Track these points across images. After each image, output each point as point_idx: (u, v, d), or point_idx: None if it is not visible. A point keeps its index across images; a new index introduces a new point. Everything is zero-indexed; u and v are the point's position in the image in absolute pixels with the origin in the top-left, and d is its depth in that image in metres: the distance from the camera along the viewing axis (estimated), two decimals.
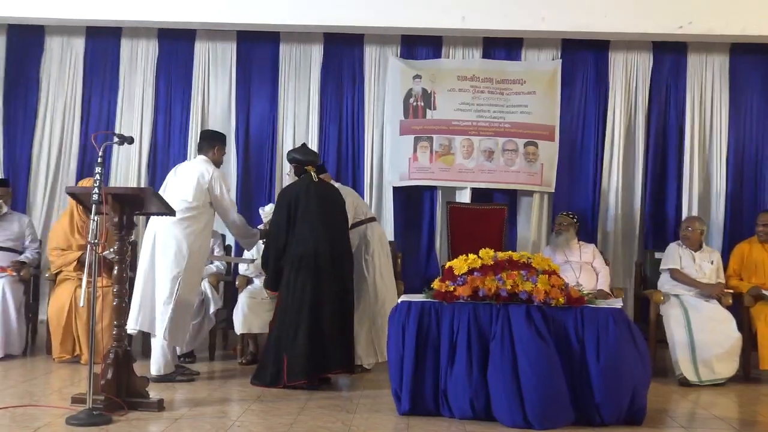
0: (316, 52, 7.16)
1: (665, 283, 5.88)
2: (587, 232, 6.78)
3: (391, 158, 7.06)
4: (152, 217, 4.93)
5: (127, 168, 7.11)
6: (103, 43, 7.16)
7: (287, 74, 7.17)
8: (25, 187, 7.07)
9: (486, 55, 7.13)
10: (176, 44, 7.16)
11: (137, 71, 7.16)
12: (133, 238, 4.99)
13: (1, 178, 6.62)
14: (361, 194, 6.79)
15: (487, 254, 4.32)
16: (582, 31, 6.71)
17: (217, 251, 6.17)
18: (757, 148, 7.03)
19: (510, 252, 4.42)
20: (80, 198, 4.49)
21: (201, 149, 5.27)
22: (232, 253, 6.56)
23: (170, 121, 7.18)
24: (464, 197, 7.00)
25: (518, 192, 7.09)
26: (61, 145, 7.15)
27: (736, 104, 7.04)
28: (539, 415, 3.93)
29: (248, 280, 5.99)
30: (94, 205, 3.93)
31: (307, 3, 6.63)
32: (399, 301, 4.38)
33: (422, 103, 7.07)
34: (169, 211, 4.41)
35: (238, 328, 5.69)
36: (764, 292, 5.69)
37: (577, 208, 6.77)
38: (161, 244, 4.88)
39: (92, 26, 7.04)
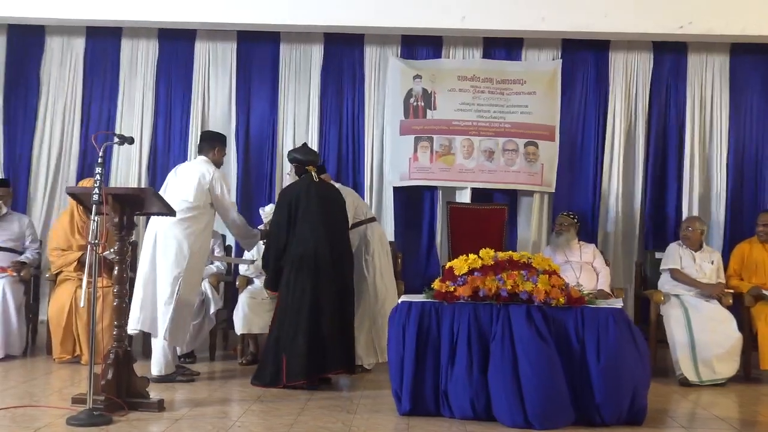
0: (317, 52, 7.16)
1: (665, 283, 5.88)
2: (587, 232, 6.78)
3: (392, 158, 7.06)
4: (153, 218, 4.93)
5: (128, 168, 7.11)
6: (103, 43, 7.16)
7: (287, 74, 7.16)
8: (25, 187, 7.07)
9: (486, 55, 7.13)
10: (176, 44, 7.16)
11: (137, 71, 7.16)
12: (133, 238, 4.99)
13: (1, 179, 6.62)
14: (362, 194, 6.80)
15: (487, 254, 4.32)
16: (582, 31, 6.71)
17: (218, 251, 6.17)
18: (758, 148, 7.03)
19: (510, 252, 4.42)
20: (80, 198, 4.49)
21: (201, 150, 5.27)
22: (233, 254, 6.56)
23: (170, 121, 7.18)
24: (464, 197, 7.00)
25: (518, 192, 7.09)
26: (62, 145, 7.14)
27: (737, 104, 7.04)
28: (540, 415, 3.93)
29: (248, 281, 5.99)
30: (94, 206, 3.93)
31: (307, 3, 6.63)
32: (399, 301, 4.38)
33: (422, 103, 7.06)
34: (170, 212, 4.41)
35: (239, 328, 5.69)
36: (764, 292, 5.69)
37: (577, 208, 6.77)
38: (162, 244, 4.88)
39: (92, 26, 7.04)
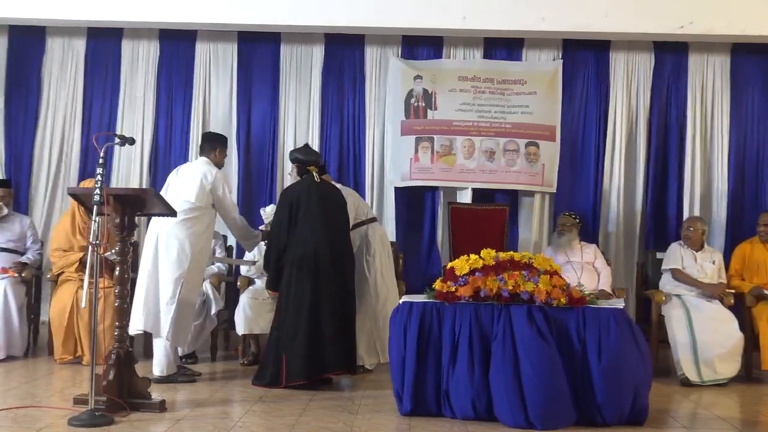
0: (317, 53, 7.17)
1: (667, 283, 5.88)
2: (588, 233, 6.78)
3: (393, 158, 7.07)
4: (154, 218, 4.93)
5: (129, 169, 7.12)
6: (104, 43, 7.17)
7: (288, 75, 7.17)
8: (26, 188, 7.08)
9: (487, 55, 7.13)
10: (177, 45, 7.16)
11: (138, 72, 7.17)
12: (134, 239, 4.99)
13: (2, 179, 6.63)
14: (363, 194, 6.80)
15: (488, 254, 4.32)
16: (583, 31, 6.71)
17: (219, 252, 6.16)
18: (758, 148, 7.03)
19: (511, 252, 4.42)
20: (82, 199, 4.49)
21: (202, 151, 5.27)
22: (234, 254, 6.56)
23: (171, 121, 7.19)
24: (465, 197, 7.00)
25: (519, 192, 7.09)
26: (63, 146, 7.15)
27: (738, 104, 7.04)
28: (541, 415, 3.93)
29: (250, 281, 5.99)
30: (95, 206, 3.93)
31: (307, 3, 6.63)
32: (400, 301, 4.38)
33: (423, 104, 7.07)
34: (171, 212, 4.41)
35: (240, 328, 5.68)
36: (766, 292, 5.69)
37: (578, 208, 6.77)
38: (164, 244, 4.88)
39: (93, 27, 7.04)
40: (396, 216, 7.03)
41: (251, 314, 5.65)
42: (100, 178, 3.98)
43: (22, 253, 6.01)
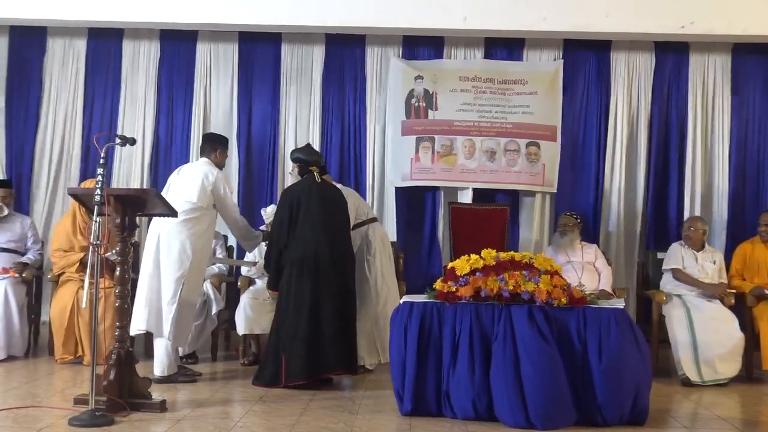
0: (318, 53, 7.17)
1: (667, 283, 5.87)
2: (589, 233, 6.78)
3: (393, 159, 7.07)
4: (155, 219, 4.94)
5: (130, 169, 7.12)
6: (105, 44, 7.17)
7: (289, 75, 7.17)
8: (27, 188, 7.09)
9: (487, 55, 7.13)
10: (178, 45, 7.17)
11: (139, 72, 7.17)
12: (135, 239, 4.99)
13: (3, 180, 6.63)
14: (363, 195, 6.80)
15: (489, 255, 4.32)
16: (583, 31, 6.71)
17: (219, 252, 6.17)
18: (759, 148, 7.03)
19: (512, 252, 4.41)
20: (82, 199, 4.49)
21: (203, 152, 5.28)
22: (235, 255, 6.56)
23: (172, 122, 7.19)
24: (466, 198, 7.00)
25: (520, 192, 7.09)
26: (63, 146, 7.16)
27: (738, 104, 7.04)
28: (542, 415, 3.93)
29: (250, 281, 5.99)
30: (96, 206, 3.93)
31: (308, 4, 6.63)
32: (401, 301, 4.37)
33: (424, 104, 7.07)
34: (172, 213, 4.41)
35: (241, 329, 5.68)
36: (767, 292, 5.68)
37: (579, 208, 6.77)
38: (165, 245, 4.88)
39: (94, 27, 7.05)
40: (396, 216, 7.03)
41: (252, 314, 5.65)
42: (100, 179, 3.98)
43: (23, 254, 6.02)
